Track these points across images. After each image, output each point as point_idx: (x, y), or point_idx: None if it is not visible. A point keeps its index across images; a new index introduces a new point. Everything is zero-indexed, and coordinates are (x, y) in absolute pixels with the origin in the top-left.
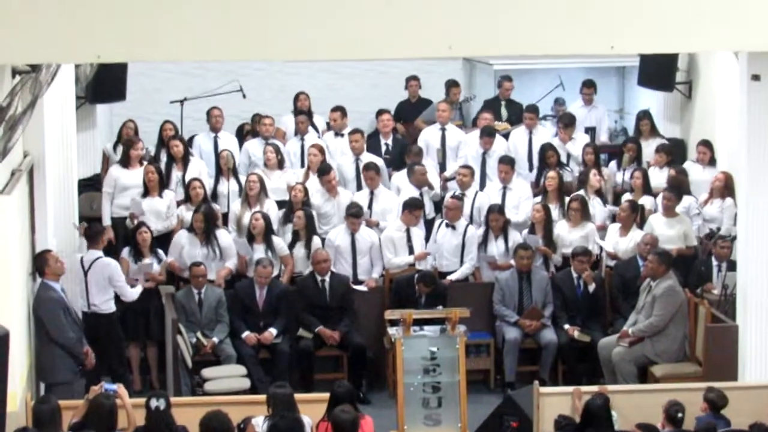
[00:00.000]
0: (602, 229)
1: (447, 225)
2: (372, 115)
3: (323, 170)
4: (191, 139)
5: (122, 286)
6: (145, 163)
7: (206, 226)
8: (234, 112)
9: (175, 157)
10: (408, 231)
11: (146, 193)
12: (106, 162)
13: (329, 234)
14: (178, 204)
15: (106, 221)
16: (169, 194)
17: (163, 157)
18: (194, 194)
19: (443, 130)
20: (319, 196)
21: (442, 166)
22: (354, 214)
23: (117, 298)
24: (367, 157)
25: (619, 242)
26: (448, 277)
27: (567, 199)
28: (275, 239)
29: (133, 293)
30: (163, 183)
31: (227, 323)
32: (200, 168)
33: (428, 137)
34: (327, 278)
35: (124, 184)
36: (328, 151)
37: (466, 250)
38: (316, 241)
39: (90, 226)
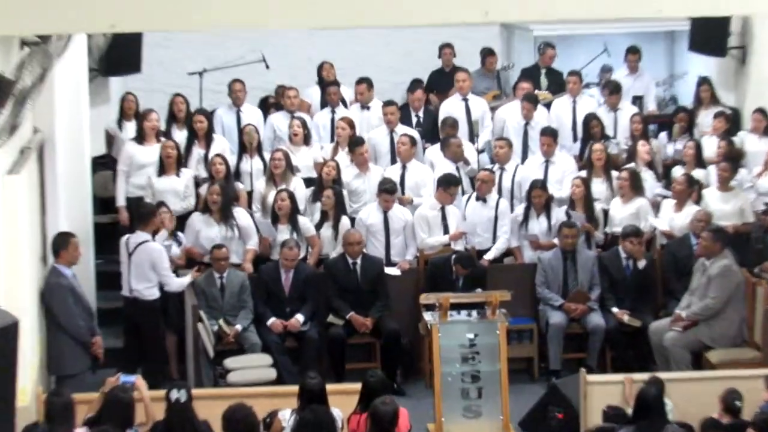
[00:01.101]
0: (654, 206)
1: (477, 198)
2: (404, 86)
3: (355, 143)
4: (211, 113)
5: (167, 275)
6: (163, 139)
7: (222, 202)
8: (256, 84)
9: (198, 133)
10: (443, 209)
11: (162, 171)
12: (111, 141)
13: (360, 213)
14: (199, 183)
15: (121, 201)
16: (188, 172)
17: (175, 134)
18: (216, 171)
19: (466, 101)
20: (348, 173)
21: (471, 137)
22: (387, 189)
23: (160, 286)
24: (401, 129)
25: (674, 218)
26: (485, 257)
27: (615, 173)
28: (301, 219)
29: (179, 283)
30: (181, 160)
31: (251, 309)
32: (223, 145)
33: (451, 109)
34: (359, 261)
35: (140, 161)
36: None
37: (499, 224)
38: (344, 221)
39: (140, 206)
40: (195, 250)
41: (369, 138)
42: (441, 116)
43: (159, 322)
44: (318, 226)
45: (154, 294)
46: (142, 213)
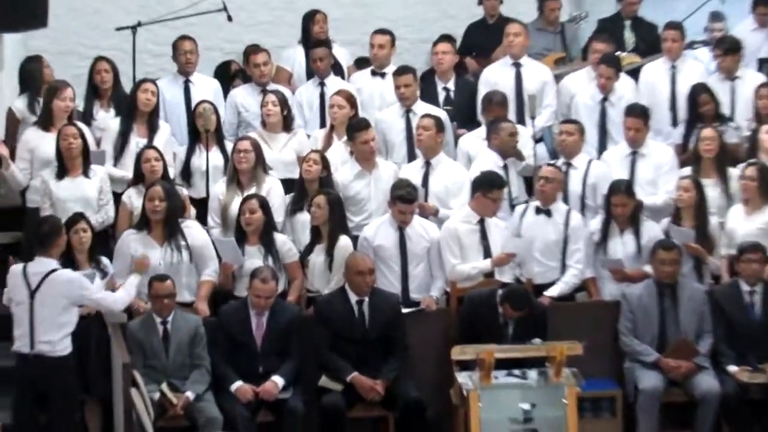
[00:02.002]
0: None
1: (538, 210)
2: (427, 46)
3: (356, 127)
4: None
5: (102, 297)
6: (82, 125)
7: (167, 212)
8: (214, 44)
9: (137, 114)
10: (482, 223)
11: (62, 170)
12: (14, 124)
13: (365, 229)
14: (126, 186)
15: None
16: (101, 171)
17: (99, 115)
18: (148, 170)
19: (518, 66)
20: (347, 170)
21: (521, 120)
22: (404, 196)
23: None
24: (422, 109)
25: None
26: (547, 293)
27: (733, 169)
28: (279, 238)
29: (120, 299)
30: (88, 153)
31: (207, 369)
32: (168, 135)
33: (495, 78)
34: (365, 298)
35: (44, 155)
36: (360, 102)
37: (571, 249)
38: (343, 242)
39: (41, 224)
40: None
41: (377, 121)
42: (482, 89)
43: (73, 389)
44: (306, 250)
45: (67, 347)
46: (43, 233)
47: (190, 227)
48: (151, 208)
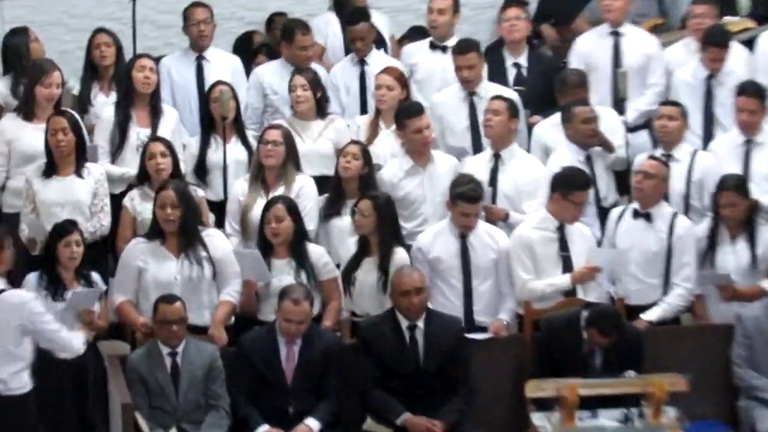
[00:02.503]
0: None
1: (636, 214)
2: (493, 13)
3: (406, 113)
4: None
5: (55, 332)
6: (71, 113)
7: (181, 212)
8: (232, 13)
9: (135, 96)
10: (562, 231)
11: (51, 168)
12: None
13: (419, 238)
14: (129, 187)
15: None
16: (96, 170)
17: (97, 101)
18: (154, 167)
19: (616, 35)
20: (396, 166)
21: (619, 106)
22: (465, 195)
23: (40, 367)
24: (489, 90)
25: None
26: (644, 316)
27: None
28: (313, 250)
29: (76, 342)
30: (83, 149)
31: (227, 410)
32: (175, 122)
33: (589, 49)
34: (420, 323)
35: (24, 149)
36: (415, 82)
37: (677, 262)
38: (399, 256)
39: None
40: (129, 303)
41: (433, 104)
42: (572, 63)
43: (35, 429)
44: (351, 265)
45: (24, 383)
46: None
47: (212, 236)
48: (163, 217)
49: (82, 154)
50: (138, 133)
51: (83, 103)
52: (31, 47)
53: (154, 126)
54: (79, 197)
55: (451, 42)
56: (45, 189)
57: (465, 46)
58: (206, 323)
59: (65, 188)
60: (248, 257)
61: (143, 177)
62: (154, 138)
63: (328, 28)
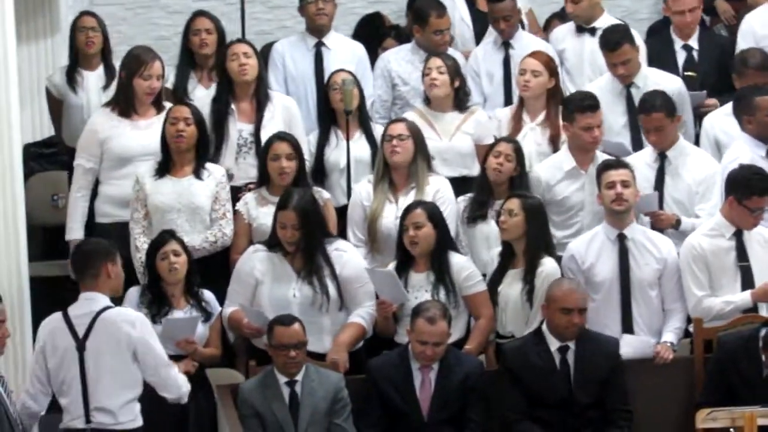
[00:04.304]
0: None
1: None
2: None
3: (580, 105)
4: (265, 49)
5: (163, 366)
6: (168, 105)
7: (304, 233)
8: None
9: (236, 88)
10: (740, 238)
11: (164, 168)
12: (54, 106)
13: (571, 245)
14: (240, 189)
15: (75, 233)
16: (217, 171)
17: (196, 94)
18: (277, 170)
19: None
20: (554, 167)
21: None
22: (583, 105)
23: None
24: (647, 79)
25: None
26: None
27: None
28: (456, 261)
29: (184, 384)
30: (206, 147)
31: None
32: (288, 112)
33: (762, 27)
34: (571, 345)
35: (121, 150)
36: (563, 70)
37: None
38: (548, 266)
39: (79, 246)
40: (245, 320)
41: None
42: (742, 43)
43: None
44: (494, 278)
45: (134, 418)
46: (81, 256)
47: (343, 252)
48: (283, 238)
49: (202, 153)
50: (240, 130)
51: (180, 96)
52: (88, 35)
53: (259, 120)
54: (197, 201)
55: (600, 23)
56: (158, 191)
57: (613, 40)
58: (327, 350)
59: (182, 190)
60: (382, 276)
61: (264, 179)
62: (279, 136)
63: (454, 13)
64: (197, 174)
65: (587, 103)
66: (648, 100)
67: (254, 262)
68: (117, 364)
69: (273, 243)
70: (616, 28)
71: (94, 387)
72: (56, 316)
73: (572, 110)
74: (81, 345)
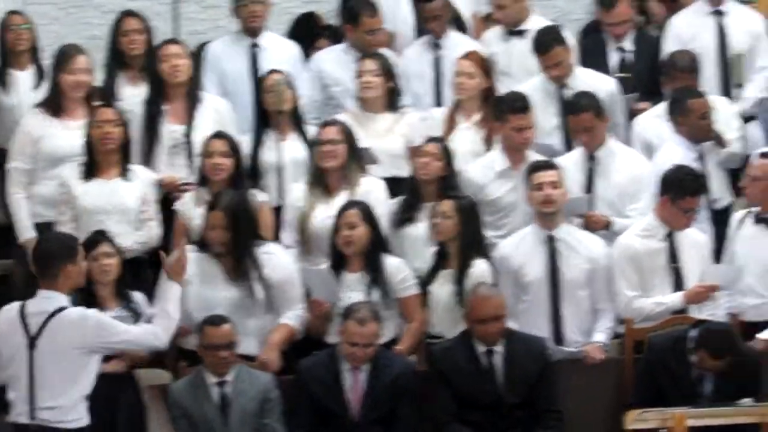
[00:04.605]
0: None
1: (758, 219)
2: None
3: (511, 105)
4: (199, 50)
5: (136, 336)
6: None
7: (233, 234)
8: None
9: (168, 88)
10: (671, 240)
11: (91, 169)
12: None
13: (502, 245)
14: (172, 191)
15: (26, 233)
16: (143, 173)
17: (125, 93)
18: (211, 167)
19: (718, 14)
20: (486, 167)
21: (725, 90)
22: (515, 106)
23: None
24: (578, 80)
25: None
26: (762, 336)
27: None
28: (390, 263)
29: (161, 329)
30: (128, 148)
31: None
32: (220, 113)
33: (687, 30)
34: (499, 348)
35: (53, 150)
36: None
37: None
38: (479, 268)
39: (45, 242)
40: (184, 327)
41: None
42: (669, 46)
43: None
44: (427, 278)
45: (79, 417)
46: (46, 254)
47: (272, 254)
48: (210, 239)
49: (127, 155)
50: (172, 131)
51: (109, 96)
52: (9, 33)
53: (190, 121)
54: (126, 203)
55: (529, 24)
56: (86, 193)
57: (545, 43)
58: (252, 352)
59: (111, 192)
60: (317, 274)
61: (204, 179)
62: (217, 134)
63: (398, 9)
64: (124, 176)
65: (518, 104)
66: (576, 101)
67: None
68: (66, 365)
69: (203, 244)
70: (548, 30)
71: (41, 385)
72: (14, 307)
73: (504, 111)
74: (31, 343)
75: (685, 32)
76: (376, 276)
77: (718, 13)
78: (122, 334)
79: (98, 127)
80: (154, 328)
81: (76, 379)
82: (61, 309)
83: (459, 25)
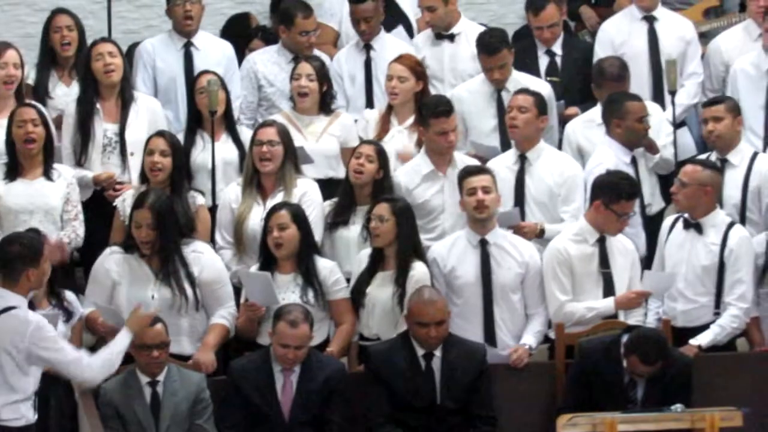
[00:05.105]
0: None
1: (687, 224)
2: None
3: (434, 109)
4: (130, 50)
5: (69, 360)
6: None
7: (159, 233)
8: None
9: (101, 87)
10: (602, 245)
11: (14, 169)
12: None
13: (434, 248)
14: (107, 188)
15: None
16: (67, 172)
17: (57, 92)
18: (150, 165)
19: (650, 20)
20: (412, 169)
21: (657, 96)
22: (438, 111)
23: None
24: (517, 83)
25: None
26: (693, 341)
27: None
28: (323, 265)
29: (99, 366)
30: (52, 148)
31: None
32: (153, 113)
33: (618, 36)
34: (438, 351)
35: None
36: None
37: (730, 279)
38: (418, 270)
39: (5, 244)
40: (102, 321)
41: (452, 99)
42: (600, 52)
43: None
44: (361, 281)
45: (19, 417)
46: (7, 255)
47: (201, 253)
48: (137, 237)
49: (50, 154)
50: (105, 129)
51: (41, 94)
52: None
53: (123, 120)
54: (50, 203)
55: (458, 28)
56: (10, 193)
57: (493, 45)
58: (184, 352)
59: (34, 192)
60: (256, 278)
61: (145, 177)
62: (159, 132)
63: (342, 11)
64: (47, 175)
65: (441, 108)
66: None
67: (110, 263)
68: (7, 365)
69: (129, 244)
70: (494, 32)
71: None
72: None
73: (427, 115)
74: None
75: (617, 37)
76: (310, 277)
77: (650, 19)
78: (58, 351)
79: (19, 127)
80: (91, 361)
81: (14, 382)
82: (9, 308)
83: (407, 27)
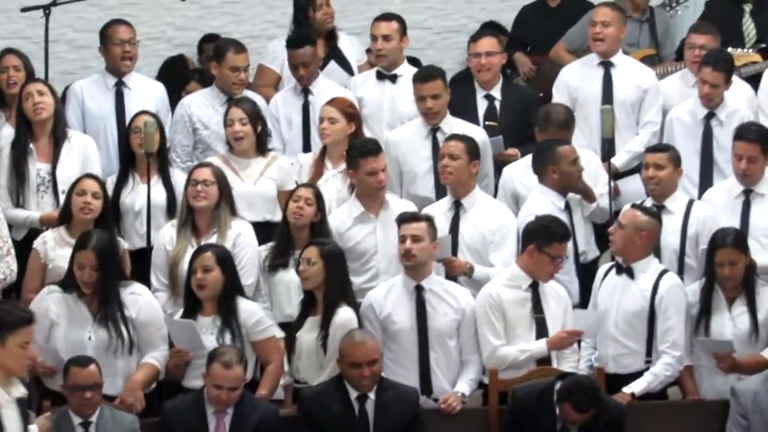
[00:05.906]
0: None
1: (619, 269)
2: (460, 39)
3: (361, 151)
4: (65, 91)
5: None
6: None
7: (102, 274)
8: (160, 32)
9: (34, 127)
10: (535, 289)
11: None
12: None
13: (370, 294)
14: (37, 228)
15: None
16: None
17: (5, 131)
18: (80, 205)
19: (607, 66)
20: (344, 213)
21: (608, 150)
22: (365, 150)
23: None
24: (452, 127)
25: None
26: (626, 389)
27: None
28: (244, 307)
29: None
30: None
31: None
32: (85, 151)
33: (575, 82)
34: (371, 394)
35: None
36: (363, 117)
37: (662, 326)
38: (343, 315)
39: None
40: (46, 364)
41: (388, 142)
42: (557, 97)
43: None
44: (296, 324)
45: None
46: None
47: (139, 295)
48: (80, 278)
49: None
50: (39, 169)
51: None
52: None
53: (55, 158)
54: None
55: (402, 70)
56: None
57: (428, 74)
58: (118, 393)
59: None
60: (181, 325)
61: (66, 217)
62: (88, 174)
63: (284, 54)
64: None
65: (369, 147)
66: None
67: (48, 303)
68: None
69: (68, 284)
70: (432, 66)
71: None
72: None
73: (355, 156)
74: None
75: (572, 81)
76: (229, 320)
77: (607, 65)
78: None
79: None
80: None
81: None
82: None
83: (347, 70)
